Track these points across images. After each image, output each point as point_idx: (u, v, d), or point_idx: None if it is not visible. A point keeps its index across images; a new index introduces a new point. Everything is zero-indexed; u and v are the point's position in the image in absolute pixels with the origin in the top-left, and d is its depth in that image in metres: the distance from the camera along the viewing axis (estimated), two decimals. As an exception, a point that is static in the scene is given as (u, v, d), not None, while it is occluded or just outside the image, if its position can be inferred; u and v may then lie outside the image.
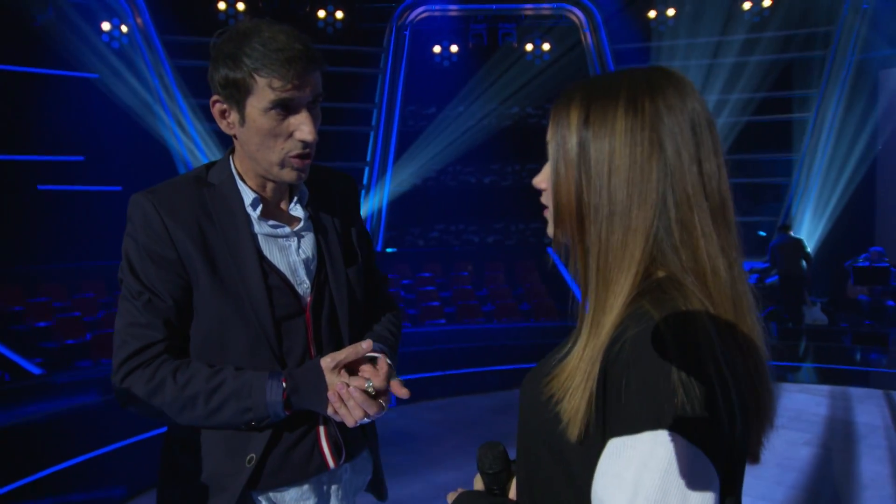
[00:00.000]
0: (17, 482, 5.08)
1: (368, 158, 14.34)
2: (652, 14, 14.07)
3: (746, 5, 13.45)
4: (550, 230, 1.04)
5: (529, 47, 14.58)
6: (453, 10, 14.30)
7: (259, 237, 1.48)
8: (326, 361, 1.42)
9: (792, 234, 11.40)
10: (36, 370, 8.90)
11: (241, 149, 1.46)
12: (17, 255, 10.87)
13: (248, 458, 1.45)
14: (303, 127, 1.39)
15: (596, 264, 0.94)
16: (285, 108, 1.37)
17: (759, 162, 13.69)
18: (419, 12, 14.32)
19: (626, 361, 0.85)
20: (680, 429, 0.81)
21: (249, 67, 1.33)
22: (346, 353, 1.43)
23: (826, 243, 12.91)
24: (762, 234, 13.53)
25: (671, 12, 13.93)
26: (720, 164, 0.94)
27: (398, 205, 14.21)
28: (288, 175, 1.44)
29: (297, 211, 1.55)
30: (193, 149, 12.25)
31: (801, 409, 6.39)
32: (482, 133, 14.36)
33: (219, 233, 1.44)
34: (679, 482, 0.80)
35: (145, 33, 12.18)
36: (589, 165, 0.94)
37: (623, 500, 0.82)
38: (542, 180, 1.05)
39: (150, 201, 1.41)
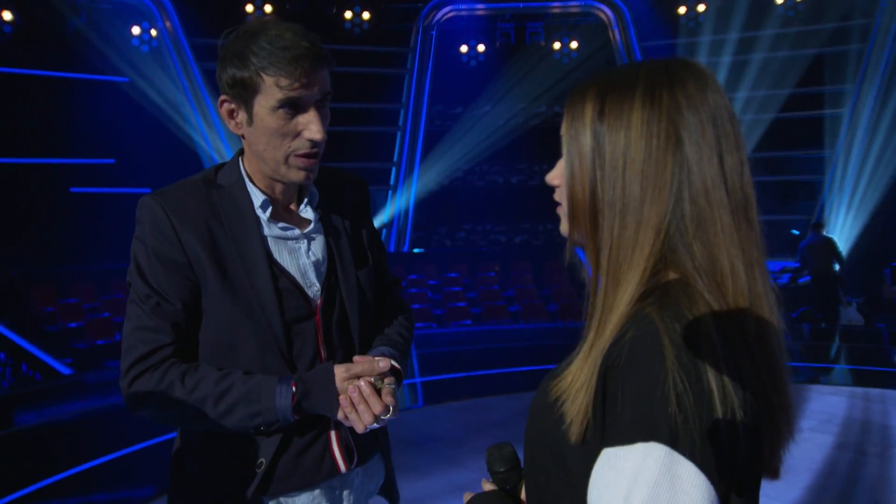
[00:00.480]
0: (46, 480, 5.16)
1: (395, 158, 14.36)
2: (682, 10, 13.89)
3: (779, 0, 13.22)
4: (564, 227, 1.01)
5: (557, 45, 14.50)
6: (480, 9, 14.27)
7: (269, 239, 1.47)
8: (340, 371, 1.40)
9: (824, 233, 11.18)
10: (66, 370, 9.06)
11: (250, 149, 1.45)
12: (49, 257, 11.08)
13: (258, 462, 1.43)
14: (311, 126, 1.38)
15: (607, 262, 0.91)
16: (293, 106, 1.36)
17: (792, 159, 13.47)
18: (446, 12, 14.30)
19: (623, 366, 0.81)
20: (673, 442, 0.76)
21: (256, 66, 1.33)
22: (362, 367, 1.41)
23: (861, 242, 12.63)
24: (795, 232, 13.28)
25: (701, 8, 13.74)
26: (742, 159, 0.90)
27: (425, 205, 14.21)
28: (295, 175, 1.43)
29: (307, 213, 1.54)
30: (223, 150, 12.39)
31: (834, 412, 6.24)
32: (509, 133, 14.31)
33: (228, 235, 1.43)
34: (670, 499, 0.76)
35: (174, 36, 12.34)
36: (604, 159, 0.91)
37: None
38: (555, 176, 1.03)
39: (159, 203, 1.40)
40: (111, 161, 11.65)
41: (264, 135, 1.38)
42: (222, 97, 1.41)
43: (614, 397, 0.82)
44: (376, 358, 1.44)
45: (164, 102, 12.02)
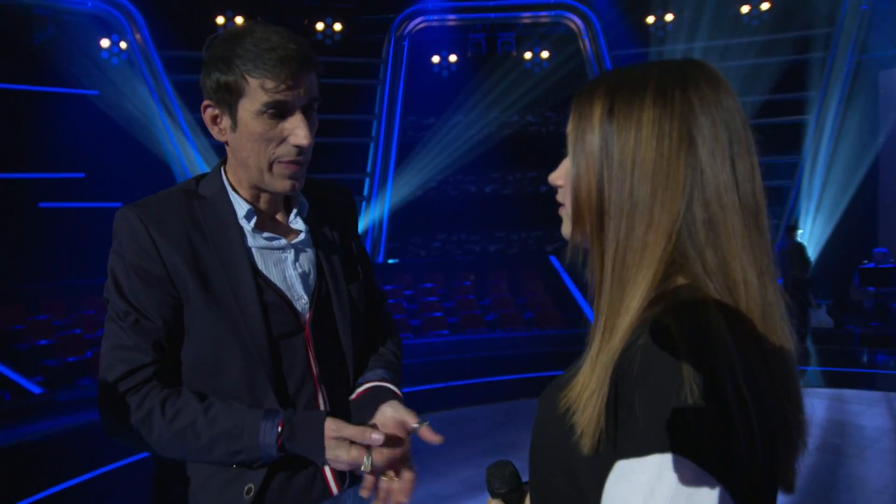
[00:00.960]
0: (18, 503, 5.05)
1: (369, 169, 14.34)
2: (650, 20, 14.07)
3: (745, 9, 13.45)
4: (567, 229, 0.99)
5: (528, 55, 14.59)
6: (451, 19, 14.32)
7: (253, 250, 1.42)
8: (332, 428, 1.32)
9: (795, 236, 11.35)
10: (36, 389, 8.88)
11: (233, 157, 1.41)
12: (17, 274, 10.88)
13: (246, 488, 1.37)
14: (297, 131, 1.33)
15: (612, 264, 0.89)
16: (279, 110, 1.32)
17: (762, 165, 13.66)
18: (417, 23, 14.34)
19: (636, 374, 0.79)
20: (691, 452, 0.74)
21: (241, 68, 1.29)
22: (354, 433, 1.33)
23: (830, 245, 12.85)
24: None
25: (669, 17, 13.93)
26: (754, 164, 0.90)
27: (399, 215, 14.19)
28: (280, 184, 1.38)
29: (297, 224, 1.49)
30: (195, 164, 12.27)
31: (809, 413, 6.33)
32: (482, 142, 14.35)
33: (210, 247, 1.37)
34: None
35: (144, 49, 12.22)
36: (612, 159, 0.89)
37: None
38: (559, 176, 1.01)
39: (137, 215, 1.35)
40: (81, 175, 11.48)
41: (248, 140, 1.34)
42: (206, 102, 1.37)
43: (628, 407, 0.79)
44: (369, 431, 1.34)
45: (135, 115, 11.88)
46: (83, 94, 11.55)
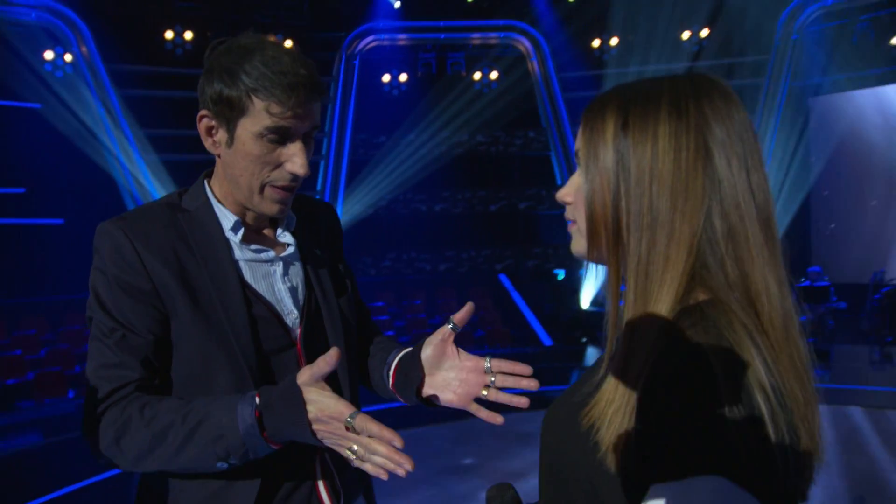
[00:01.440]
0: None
1: (319, 188, 14.42)
2: (596, 43, 14.62)
3: (685, 35, 14.12)
4: (580, 246, 0.98)
5: (477, 76, 14.97)
6: (402, 39, 14.61)
7: (241, 263, 1.38)
8: (304, 377, 1.19)
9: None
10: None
11: (223, 171, 1.37)
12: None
13: None
14: (295, 159, 1.30)
15: (634, 278, 0.89)
16: (280, 136, 1.28)
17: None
18: (368, 41, 14.58)
19: (670, 392, 0.78)
20: (729, 473, 0.74)
21: (247, 87, 1.25)
22: (319, 367, 1.19)
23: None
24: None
25: (614, 41, 14.51)
26: (765, 175, 0.90)
27: (349, 234, 14.27)
28: (268, 207, 1.36)
29: (285, 237, 1.47)
30: (142, 180, 12.14)
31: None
32: (433, 161, 14.62)
33: (197, 260, 1.33)
34: None
35: (90, 62, 12.09)
36: (628, 172, 0.89)
37: None
38: (567, 193, 1.01)
39: (121, 229, 1.30)
40: (21, 190, 11.25)
41: (243, 159, 1.30)
42: (203, 112, 1.32)
43: (659, 428, 0.78)
44: (327, 354, 1.20)
45: (79, 130, 11.72)
46: (25, 107, 11.34)
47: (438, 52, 14.85)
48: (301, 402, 1.18)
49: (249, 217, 1.41)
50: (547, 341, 12.90)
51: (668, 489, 0.76)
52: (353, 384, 1.49)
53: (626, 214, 0.89)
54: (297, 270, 1.46)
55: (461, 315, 1.37)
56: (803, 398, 0.84)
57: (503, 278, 14.41)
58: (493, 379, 1.40)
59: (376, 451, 1.14)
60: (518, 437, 6.53)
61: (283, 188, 1.34)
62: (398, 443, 1.13)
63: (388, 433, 1.14)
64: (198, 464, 1.23)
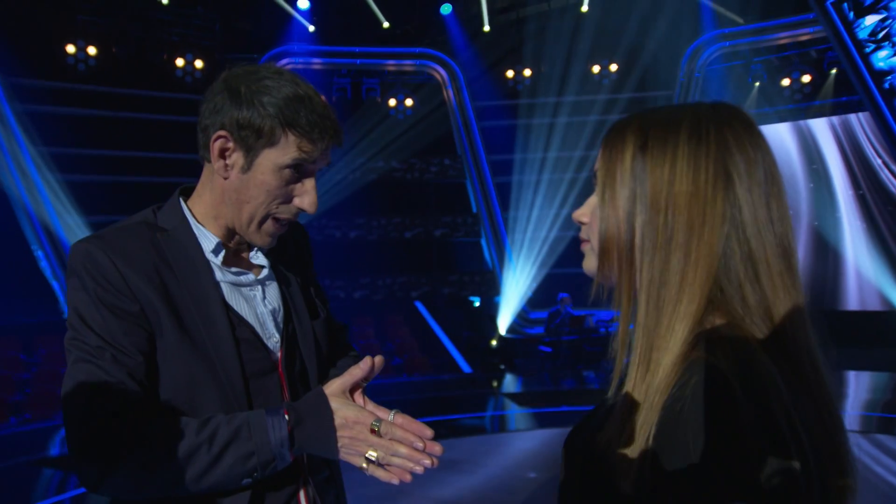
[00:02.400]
0: None
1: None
2: (510, 73, 15.23)
3: (596, 68, 14.97)
4: (592, 264, 1.02)
5: (393, 102, 15.28)
6: (316, 63, 14.76)
7: (222, 286, 1.40)
8: (332, 387, 1.32)
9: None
10: None
11: (223, 194, 1.39)
12: None
13: None
14: (307, 197, 1.38)
15: (647, 299, 0.91)
16: (300, 172, 1.36)
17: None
18: (282, 64, 14.61)
19: (691, 418, 0.80)
20: (756, 498, 0.76)
21: (283, 120, 1.30)
22: (347, 378, 1.34)
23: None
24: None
25: (527, 73, 15.17)
26: (786, 205, 0.92)
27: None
28: (259, 238, 1.41)
29: (258, 259, 1.50)
30: (39, 199, 11.68)
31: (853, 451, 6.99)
32: (347, 187, 14.75)
33: (180, 282, 1.34)
34: None
35: (-15, 75, 11.63)
36: (645, 191, 0.92)
37: None
38: (583, 213, 1.05)
39: (100, 248, 1.30)
40: None
41: (256, 188, 1.35)
42: (222, 133, 1.33)
43: (681, 453, 0.80)
44: (358, 365, 1.36)
45: (-30, 147, 11.21)
46: None
47: (353, 78, 15.09)
48: (329, 412, 1.28)
49: (233, 237, 1.45)
50: (466, 368, 13.15)
51: None
52: None
53: (640, 234, 0.92)
54: (274, 293, 1.50)
55: (366, 372, 1.37)
56: (829, 423, 0.87)
57: (419, 305, 14.61)
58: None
59: (397, 451, 1.25)
60: (446, 464, 6.66)
61: (284, 222, 1.41)
62: (428, 433, 1.28)
63: (416, 426, 1.28)
64: (224, 484, 1.26)
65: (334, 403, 1.29)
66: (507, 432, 8.67)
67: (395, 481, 1.27)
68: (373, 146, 15.08)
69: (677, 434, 0.81)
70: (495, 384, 11.90)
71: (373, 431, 1.27)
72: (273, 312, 1.47)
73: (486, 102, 15.44)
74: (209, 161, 1.38)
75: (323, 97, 1.38)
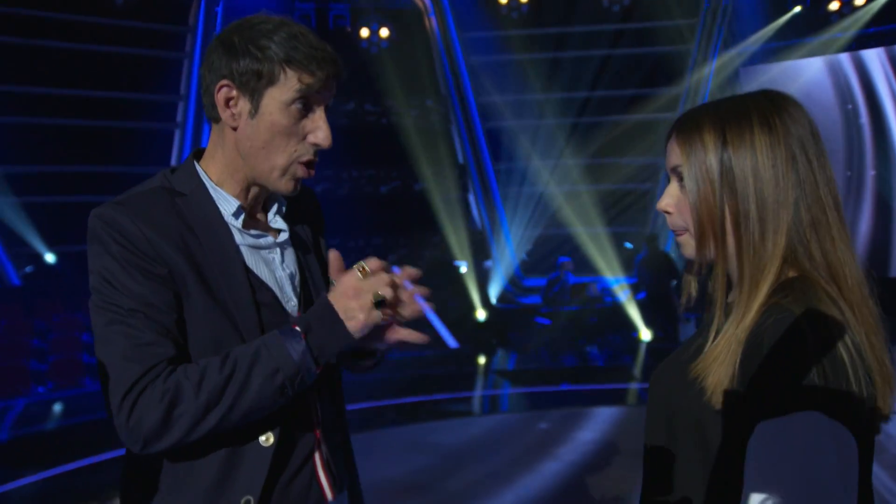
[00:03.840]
0: None
1: (174, 161, 13.83)
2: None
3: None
4: (691, 249, 1.32)
5: (365, 33, 14.82)
6: (274, -16, 14.21)
7: (243, 249, 1.56)
8: (338, 281, 1.48)
9: (658, 245, 12.20)
10: None
11: (236, 147, 1.53)
12: None
13: (244, 500, 1.49)
14: (318, 131, 1.51)
15: (748, 264, 1.23)
16: (306, 105, 1.49)
17: (622, 166, 14.62)
18: (231, -15, 14.11)
19: (770, 348, 1.13)
20: (824, 408, 1.08)
21: (280, 57, 1.45)
22: (332, 263, 1.52)
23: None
24: (629, 245, 14.42)
25: (525, -2, 14.66)
26: (832, 171, 1.26)
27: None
28: (285, 185, 1.54)
29: (277, 222, 1.66)
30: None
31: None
32: (312, 133, 14.32)
33: (203, 246, 1.50)
34: (826, 457, 1.06)
35: None
36: (733, 179, 1.23)
37: (775, 479, 1.08)
38: (669, 204, 1.35)
39: (124, 213, 1.44)
40: None
41: (268, 131, 1.48)
42: (224, 82, 1.48)
43: (762, 374, 1.14)
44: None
45: None
46: None
47: (318, 3, 14.66)
48: (331, 306, 1.44)
49: (251, 196, 1.60)
50: (452, 343, 12.90)
51: (772, 424, 1.11)
52: (336, 375, 1.74)
53: (732, 214, 1.25)
54: (292, 256, 1.67)
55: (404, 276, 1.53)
56: (880, 350, 1.19)
57: (396, 271, 14.27)
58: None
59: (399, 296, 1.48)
60: (431, 448, 6.46)
61: (306, 163, 1.53)
62: (414, 273, 1.53)
63: (394, 275, 1.49)
64: (258, 404, 1.41)
65: (331, 296, 1.45)
66: (498, 414, 8.69)
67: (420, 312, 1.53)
68: (341, 85, 14.47)
69: (758, 360, 1.16)
70: (485, 361, 11.74)
71: (363, 272, 1.46)
72: (291, 276, 1.63)
73: (474, 33, 14.99)
74: (217, 119, 1.54)
75: (312, 30, 1.52)
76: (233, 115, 1.51)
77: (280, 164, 1.52)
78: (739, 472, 1.15)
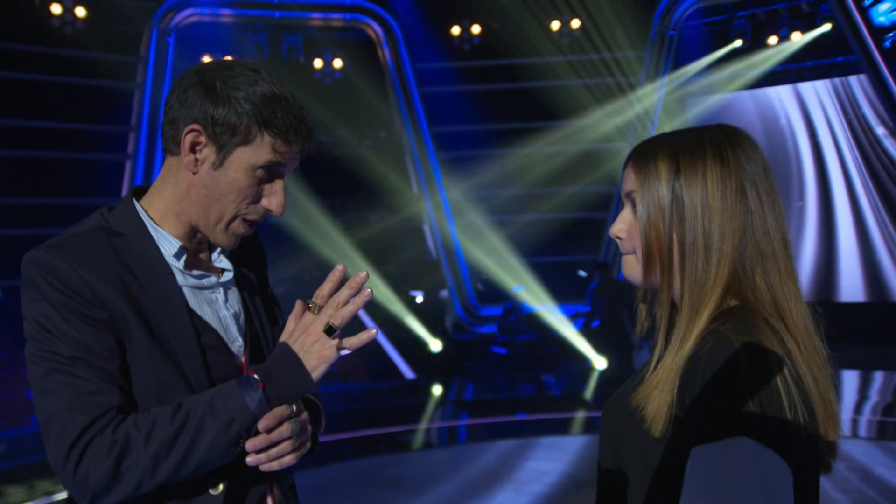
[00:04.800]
0: None
1: (124, 193, 13.65)
2: (456, 30, 14.91)
3: (555, 25, 14.72)
4: (636, 272, 1.37)
5: (319, 63, 14.83)
6: (227, 15, 14.20)
7: (185, 290, 1.53)
8: (288, 329, 1.46)
9: (611, 274, 12.37)
10: None
11: (188, 189, 1.52)
12: None
13: None
14: (275, 199, 1.53)
15: (690, 292, 1.28)
16: (272, 173, 1.50)
17: (573, 194, 14.80)
18: (185, 15, 14.02)
19: (705, 374, 1.17)
20: (753, 434, 1.11)
21: (261, 119, 1.44)
22: (299, 319, 1.47)
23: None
24: (582, 273, 14.62)
25: (476, 29, 14.86)
26: (781, 206, 1.31)
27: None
28: (225, 239, 1.55)
29: (221, 262, 1.63)
30: None
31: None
32: (265, 163, 14.23)
33: (144, 288, 1.46)
34: (762, 482, 1.10)
35: None
36: (682, 209, 1.28)
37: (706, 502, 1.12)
38: (621, 229, 1.39)
39: (60, 257, 1.40)
40: None
41: (227, 185, 1.48)
42: (195, 126, 1.46)
43: (697, 399, 1.17)
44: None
45: None
46: None
47: (271, 33, 14.61)
48: (286, 345, 1.43)
49: (194, 238, 1.58)
50: (408, 374, 12.89)
51: (704, 450, 1.14)
52: None
53: (681, 242, 1.29)
54: (236, 296, 1.65)
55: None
56: (823, 383, 1.23)
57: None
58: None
59: (340, 299, 1.42)
60: (389, 483, 6.47)
61: (251, 223, 1.54)
62: (355, 278, 1.42)
63: (332, 284, 1.44)
64: (211, 456, 1.38)
65: (285, 338, 1.45)
66: (456, 445, 8.70)
67: (372, 333, 1.45)
68: (295, 115, 14.56)
69: (694, 387, 1.18)
70: (442, 391, 11.76)
71: (309, 308, 1.45)
72: (235, 316, 1.61)
73: (427, 64, 15.11)
74: (175, 154, 1.51)
75: (291, 91, 1.53)
76: (196, 160, 1.48)
77: (227, 218, 1.51)
78: (677, 498, 1.18)
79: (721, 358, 1.16)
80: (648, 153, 1.34)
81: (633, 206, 1.36)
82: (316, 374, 1.42)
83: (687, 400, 1.18)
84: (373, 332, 1.44)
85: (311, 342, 1.42)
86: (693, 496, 1.14)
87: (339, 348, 1.43)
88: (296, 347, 1.42)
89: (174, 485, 1.41)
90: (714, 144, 1.29)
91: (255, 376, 1.40)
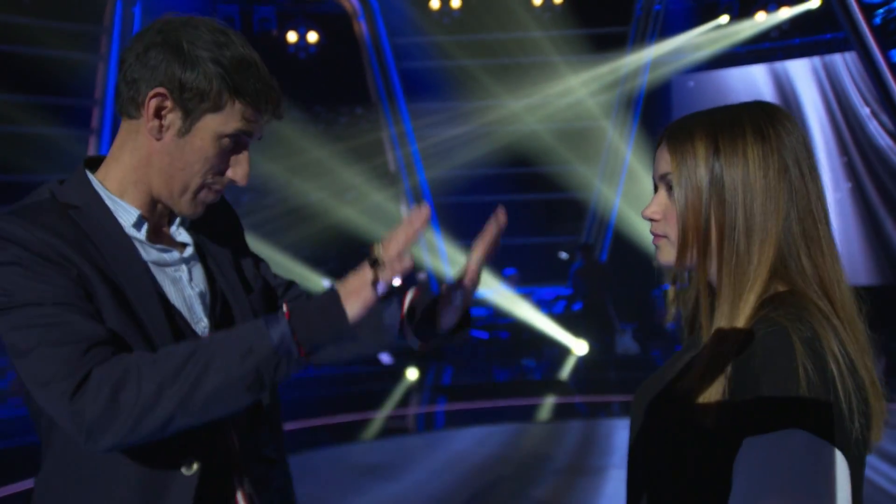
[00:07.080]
0: None
1: (88, 168, 13.52)
2: (435, 4, 14.81)
3: (537, 0, 14.65)
4: (669, 256, 1.35)
5: (293, 37, 14.69)
6: (195, -16, 14.04)
7: (150, 266, 1.49)
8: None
9: (594, 255, 12.41)
10: None
11: (149, 156, 1.47)
12: None
13: None
14: (239, 169, 1.50)
15: (731, 276, 1.26)
16: (239, 142, 1.47)
17: (554, 174, 14.80)
18: (149, -15, 13.88)
19: (759, 364, 1.16)
20: (811, 426, 1.10)
21: (231, 86, 1.41)
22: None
23: (630, 265, 14.24)
24: (564, 255, 14.65)
25: (456, 3, 14.76)
26: (822, 183, 1.30)
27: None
28: (189, 207, 1.51)
29: (181, 235, 1.60)
30: None
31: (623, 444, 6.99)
32: (237, 140, 14.13)
33: (106, 258, 1.41)
34: (812, 475, 1.09)
35: None
36: (722, 189, 1.26)
37: (760, 494, 1.10)
38: (655, 211, 1.37)
39: (15, 222, 1.35)
40: None
41: (193, 154, 1.45)
42: (161, 90, 1.41)
43: (750, 392, 1.16)
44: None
45: None
46: None
47: (242, 5, 14.43)
48: (333, 289, 1.32)
49: (156, 209, 1.54)
50: (385, 358, 12.86)
51: (757, 441, 1.13)
52: (275, 394, 1.66)
53: (717, 224, 1.27)
54: (200, 273, 1.59)
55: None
56: (870, 367, 1.22)
57: (326, 284, 14.17)
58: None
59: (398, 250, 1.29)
60: (362, 470, 6.48)
61: (216, 192, 1.52)
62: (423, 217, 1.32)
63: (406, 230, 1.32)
64: (223, 393, 1.27)
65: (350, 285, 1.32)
66: (434, 431, 8.77)
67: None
68: (268, 90, 14.44)
69: (747, 376, 1.17)
70: (419, 376, 11.74)
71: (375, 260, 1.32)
72: (201, 295, 1.56)
73: (405, 39, 15.03)
74: (133, 118, 1.45)
75: (259, 56, 1.48)
76: (161, 126, 1.44)
77: (193, 187, 1.48)
78: (721, 491, 1.17)
79: (776, 347, 1.15)
80: (684, 133, 1.31)
81: (669, 188, 1.34)
82: (354, 310, 1.29)
83: (740, 389, 1.17)
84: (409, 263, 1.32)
85: (355, 279, 1.31)
86: (744, 489, 1.13)
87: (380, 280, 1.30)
88: (341, 290, 1.31)
89: (145, 461, 1.38)
90: (753, 121, 1.27)
91: (284, 308, 1.31)
